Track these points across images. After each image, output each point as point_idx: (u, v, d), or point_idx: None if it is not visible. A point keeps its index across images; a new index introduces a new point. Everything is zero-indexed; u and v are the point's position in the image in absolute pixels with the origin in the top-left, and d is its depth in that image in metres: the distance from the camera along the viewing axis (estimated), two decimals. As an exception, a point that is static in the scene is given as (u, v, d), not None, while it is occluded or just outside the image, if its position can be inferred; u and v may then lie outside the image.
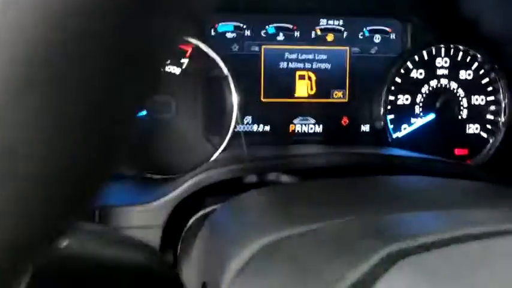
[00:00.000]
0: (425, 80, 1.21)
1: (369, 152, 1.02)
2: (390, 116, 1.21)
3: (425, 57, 1.21)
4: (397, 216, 0.49)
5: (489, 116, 1.24)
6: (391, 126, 1.21)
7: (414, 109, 1.22)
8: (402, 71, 1.20)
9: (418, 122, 1.21)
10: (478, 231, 0.40)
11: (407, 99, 1.22)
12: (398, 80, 1.21)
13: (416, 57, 1.21)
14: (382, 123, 1.20)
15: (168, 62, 1.11)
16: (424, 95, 1.22)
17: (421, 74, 1.21)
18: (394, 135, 1.21)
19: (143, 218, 0.83)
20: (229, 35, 1.17)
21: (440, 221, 0.49)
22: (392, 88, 1.20)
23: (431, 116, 1.21)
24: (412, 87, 1.21)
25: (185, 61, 1.12)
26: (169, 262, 0.52)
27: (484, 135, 1.25)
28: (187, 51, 1.12)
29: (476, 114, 1.24)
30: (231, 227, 0.61)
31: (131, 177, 1.09)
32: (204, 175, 0.85)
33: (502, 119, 1.23)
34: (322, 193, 0.69)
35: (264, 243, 0.49)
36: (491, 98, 1.24)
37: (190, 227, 0.84)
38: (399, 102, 1.21)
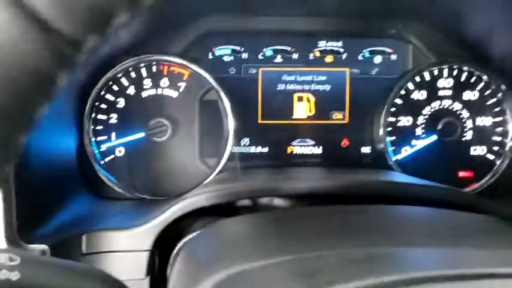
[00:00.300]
0: (427, 102, 1.19)
1: (364, 178, 1.00)
2: (391, 138, 1.19)
3: (427, 78, 1.19)
4: (349, 252, 0.49)
5: (495, 138, 1.20)
6: (391, 149, 1.19)
7: (415, 131, 1.19)
8: (403, 92, 1.18)
9: (419, 144, 1.19)
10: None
11: (408, 120, 1.19)
12: (399, 101, 1.19)
13: (418, 78, 1.19)
14: (382, 145, 1.18)
15: (167, 85, 1.14)
16: (425, 117, 1.19)
17: (422, 95, 1.19)
18: (395, 158, 1.19)
19: (129, 243, 0.85)
20: (226, 58, 1.18)
21: (395, 261, 0.48)
22: (393, 109, 1.18)
23: (433, 138, 1.18)
24: (413, 108, 1.19)
25: (182, 85, 1.14)
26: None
27: (490, 157, 1.21)
28: (184, 74, 1.14)
29: (482, 135, 1.20)
30: (195, 259, 0.61)
31: (127, 199, 1.12)
32: (191, 199, 0.86)
33: (510, 140, 1.19)
34: (299, 223, 0.69)
35: (220, 277, 0.50)
36: (498, 119, 1.20)
37: (178, 251, 0.85)
38: (400, 124, 1.19)
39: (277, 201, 0.95)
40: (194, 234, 0.78)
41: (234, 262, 0.50)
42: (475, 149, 1.21)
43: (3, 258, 0.46)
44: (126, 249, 0.85)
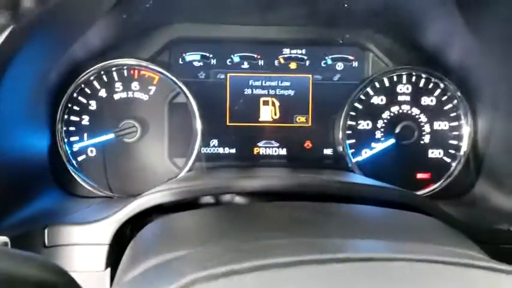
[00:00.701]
0: (386, 106, 1.25)
1: (318, 178, 1.05)
2: (350, 141, 1.25)
3: (387, 84, 1.25)
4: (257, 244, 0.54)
5: (452, 142, 1.26)
6: (351, 151, 1.25)
7: (375, 134, 1.25)
8: (362, 97, 1.24)
9: (378, 147, 1.25)
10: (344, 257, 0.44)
11: (367, 124, 1.25)
12: (358, 105, 1.25)
13: (377, 84, 1.25)
14: (342, 147, 1.24)
15: (137, 89, 1.20)
16: (384, 121, 1.25)
17: (381, 100, 1.25)
18: (355, 160, 1.25)
19: (90, 237, 0.90)
20: (196, 64, 1.25)
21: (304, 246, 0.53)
22: (353, 114, 1.24)
23: (391, 141, 1.24)
24: (372, 112, 1.25)
25: (152, 88, 1.20)
26: (74, 280, 0.57)
27: (447, 160, 1.27)
28: (154, 79, 1.20)
29: (439, 139, 1.26)
30: (137, 248, 0.67)
31: (97, 196, 1.17)
32: (149, 197, 0.91)
33: (465, 144, 1.25)
34: (239, 217, 0.74)
35: (148, 266, 0.55)
36: (454, 123, 1.26)
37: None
38: (360, 127, 1.25)
39: (238, 199, 1.01)
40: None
41: (164, 251, 0.56)
42: (432, 152, 1.27)
43: None
44: (86, 242, 0.91)
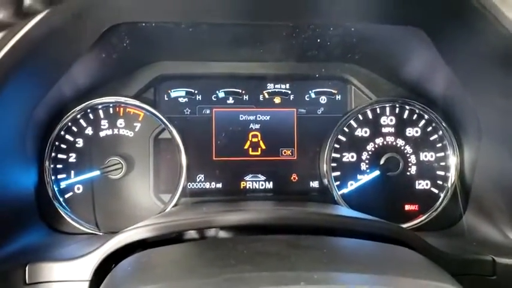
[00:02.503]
0: (371, 138, 1.26)
1: (300, 210, 1.05)
2: (336, 173, 1.25)
3: (370, 116, 1.26)
4: None
5: (439, 172, 1.26)
6: (336, 183, 1.25)
7: (360, 166, 1.25)
8: (346, 129, 1.25)
9: (363, 179, 1.24)
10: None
11: (352, 156, 1.26)
12: (342, 138, 1.26)
13: (360, 116, 1.26)
14: (327, 180, 1.24)
15: (123, 126, 1.22)
16: (369, 153, 1.25)
17: (365, 132, 1.26)
18: (340, 192, 1.25)
19: (70, 273, 0.90)
20: (181, 100, 1.27)
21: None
22: (337, 146, 1.25)
23: (376, 173, 1.24)
24: (356, 145, 1.26)
25: (137, 125, 1.23)
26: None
27: (435, 191, 1.26)
28: (139, 115, 1.23)
29: (426, 170, 1.26)
30: (108, 284, 0.68)
31: (83, 233, 1.18)
32: (129, 233, 0.91)
33: (452, 174, 1.24)
34: (211, 251, 0.74)
35: None
36: (441, 154, 1.26)
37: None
38: (344, 159, 1.25)
39: (222, 234, 1.01)
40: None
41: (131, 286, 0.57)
42: (419, 183, 1.26)
43: None
44: (67, 279, 0.91)
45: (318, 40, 1.08)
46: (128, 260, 0.78)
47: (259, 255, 0.71)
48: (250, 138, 1.28)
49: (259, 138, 1.28)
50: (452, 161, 1.24)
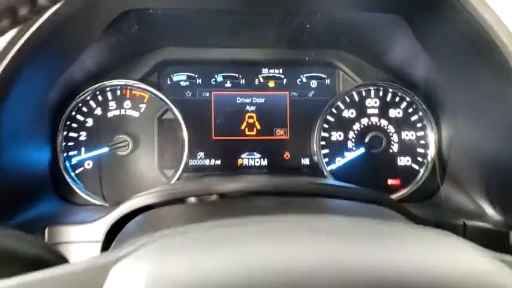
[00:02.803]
0: (357, 119, 1.37)
1: (293, 179, 1.16)
2: (324, 151, 1.36)
3: (356, 99, 1.38)
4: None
5: (419, 150, 1.38)
6: (325, 160, 1.36)
7: (347, 144, 1.37)
8: (334, 111, 1.37)
9: (350, 156, 1.36)
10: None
11: (340, 135, 1.37)
12: (331, 119, 1.37)
13: (348, 99, 1.37)
14: (317, 157, 1.35)
15: (129, 107, 1.33)
16: (355, 132, 1.37)
17: (352, 113, 1.37)
18: (329, 168, 1.36)
19: (85, 235, 1.01)
20: (183, 83, 1.38)
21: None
22: (326, 126, 1.36)
23: (361, 150, 1.35)
24: (344, 125, 1.37)
25: (143, 106, 1.33)
26: (60, 253, 0.68)
27: (415, 167, 1.38)
28: (144, 97, 1.33)
29: (407, 148, 1.38)
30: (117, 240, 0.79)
31: (92, 205, 1.28)
32: (137, 200, 1.02)
33: (431, 151, 1.36)
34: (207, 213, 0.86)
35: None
36: (421, 133, 1.38)
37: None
38: (333, 138, 1.37)
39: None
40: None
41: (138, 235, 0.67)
42: (401, 160, 1.38)
43: None
44: (83, 240, 1.01)
45: (308, 26, 1.19)
46: (133, 220, 0.89)
47: (251, 209, 0.82)
48: (246, 119, 1.39)
49: (255, 119, 1.39)
50: (431, 139, 1.36)
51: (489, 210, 1.11)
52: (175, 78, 1.38)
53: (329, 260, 0.41)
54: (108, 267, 0.44)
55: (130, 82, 1.31)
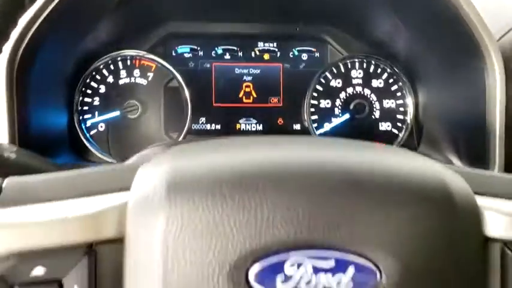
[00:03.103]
0: (342, 88, 1.53)
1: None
2: (314, 117, 1.52)
3: (342, 70, 1.53)
4: None
5: (398, 116, 1.54)
6: (315, 125, 1.52)
7: (334, 111, 1.52)
8: (323, 81, 1.52)
9: (336, 121, 1.52)
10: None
11: (328, 103, 1.53)
12: (320, 88, 1.52)
13: (335, 70, 1.53)
14: (307, 123, 1.51)
15: (138, 75, 1.47)
16: (341, 100, 1.53)
17: (339, 83, 1.53)
18: (318, 132, 1.52)
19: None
20: (186, 55, 1.52)
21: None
22: (315, 95, 1.52)
23: (346, 116, 1.51)
24: (331, 93, 1.53)
25: (150, 75, 1.47)
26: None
27: (395, 131, 1.54)
28: (152, 67, 1.48)
29: (387, 114, 1.54)
30: None
31: (104, 162, 1.43)
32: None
33: (409, 117, 1.52)
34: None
35: None
36: (400, 101, 1.54)
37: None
38: (321, 105, 1.52)
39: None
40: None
41: None
42: (382, 125, 1.54)
43: (4, 145, 0.77)
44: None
45: (300, 2, 1.34)
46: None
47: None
48: (243, 88, 1.54)
49: (251, 88, 1.54)
50: (409, 106, 1.52)
51: (457, 163, 1.27)
52: (180, 50, 1.52)
53: (317, 156, 0.56)
54: (136, 167, 0.53)
55: (141, 53, 1.45)
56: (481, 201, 0.53)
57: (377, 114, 1.54)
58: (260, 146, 0.59)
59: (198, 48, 1.53)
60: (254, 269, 0.44)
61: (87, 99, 1.44)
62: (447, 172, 0.56)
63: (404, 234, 0.46)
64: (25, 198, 0.47)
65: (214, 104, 1.53)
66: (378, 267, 0.45)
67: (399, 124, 1.54)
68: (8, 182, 0.49)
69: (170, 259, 0.43)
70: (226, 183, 0.46)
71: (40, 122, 1.21)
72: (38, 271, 0.43)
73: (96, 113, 1.44)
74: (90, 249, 0.45)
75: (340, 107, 1.53)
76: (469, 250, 0.49)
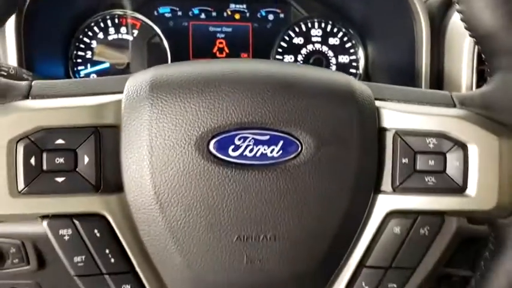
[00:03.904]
0: (304, 45, 1.76)
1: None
2: (278, 69, 1.76)
3: (304, 29, 1.76)
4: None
5: (352, 70, 1.78)
6: (279, 76, 1.75)
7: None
8: (286, 38, 1.75)
9: (298, 73, 1.76)
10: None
11: (291, 58, 1.76)
12: (284, 45, 1.76)
13: (297, 29, 1.76)
14: (272, 74, 1.75)
15: (125, 32, 1.68)
16: (303, 55, 1.76)
17: (300, 40, 1.76)
18: (282, 83, 1.76)
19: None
20: (167, 15, 1.73)
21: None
22: (280, 51, 1.75)
23: (306, 69, 1.75)
24: (294, 50, 1.76)
25: (135, 32, 1.69)
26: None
27: (348, 83, 1.78)
28: (137, 24, 1.69)
29: (342, 68, 1.78)
30: None
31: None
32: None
33: (360, 71, 1.77)
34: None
35: None
36: (353, 57, 1.78)
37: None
38: (285, 60, 1.76)
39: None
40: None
41: None
42: (337, 78, 1.78)
43: (22, 69, 1.00)
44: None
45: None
46: None
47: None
48: (217, 44, 1.76)
49: (224, 45, 1.77)
50: (361, 61, 1.76)
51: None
52: (161, 10, 1.73)
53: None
54: (126, 78, 0.69)
55: (128, 12, 1.66)
56: (379, 103, 0.68)
57: (333, 68, 1.78)
58: (221, 61, 0.83)
59: (177, 9, 1.74)
60: (213, 141, 0.66)
61: (80, 53, 1.66)
62: (356, 81, 0.76)
63: (319, 119, 0.63)
64: (48, 94, 0.69)
65: (191, 58, 1.75)
66: (300, 141, 0.63)
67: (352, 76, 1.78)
68: (35, 83, 0.72)
69: (154, 137, 0.67)
70: (194, 82, 0.68)
71: (42, 71, 1.43)
72: (59, 141, 0.61)
73: (89, 64, 1.66)
74: (96, 130, 0.68)
75: (301, 62, 1.76)
76: (366, 135, 0.65)
